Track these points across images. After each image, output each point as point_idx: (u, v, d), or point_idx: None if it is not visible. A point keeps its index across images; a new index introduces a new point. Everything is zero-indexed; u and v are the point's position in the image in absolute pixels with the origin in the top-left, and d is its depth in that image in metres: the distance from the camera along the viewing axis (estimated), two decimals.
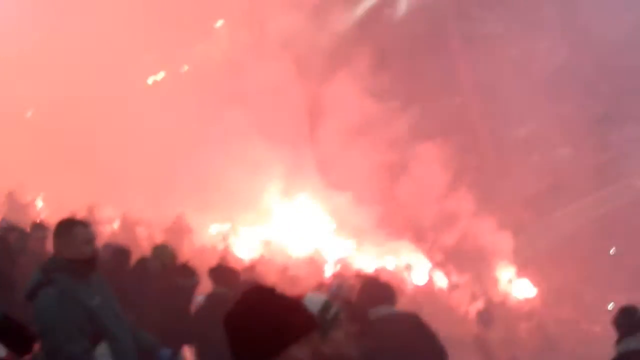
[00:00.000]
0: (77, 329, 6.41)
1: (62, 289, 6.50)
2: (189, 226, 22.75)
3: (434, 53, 27.62)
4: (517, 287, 23.64)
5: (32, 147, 23.09)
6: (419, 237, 25.35)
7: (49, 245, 9.70)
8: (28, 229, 12.58)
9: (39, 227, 12.69)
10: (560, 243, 26.08)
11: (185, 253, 17.94)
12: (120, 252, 11.49)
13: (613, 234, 26.48)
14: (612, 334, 8.65)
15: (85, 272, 6.72)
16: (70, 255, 6.61)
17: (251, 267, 16.96)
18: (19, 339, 3.39)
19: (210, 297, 10.17)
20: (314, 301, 4.28)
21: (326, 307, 4.23)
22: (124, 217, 22.51)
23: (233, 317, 3.31)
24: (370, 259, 24.00)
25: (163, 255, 11.00)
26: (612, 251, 26.54)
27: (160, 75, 27.91)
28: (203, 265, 19.46)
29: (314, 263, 22.94)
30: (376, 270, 21.75)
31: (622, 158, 27.68)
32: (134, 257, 11.56)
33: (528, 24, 29.05)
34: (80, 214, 19.78)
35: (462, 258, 24.09)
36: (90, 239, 6.78)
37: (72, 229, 6.75)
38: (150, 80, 27.73)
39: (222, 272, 10.61)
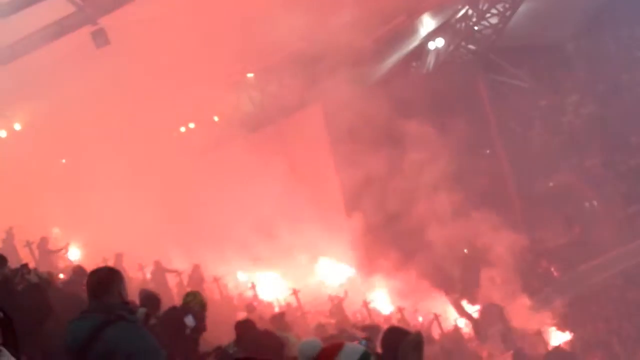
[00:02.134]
0: (163, 353, 6.55)
1: (136, 321, 6.66)
2: (203, 275, 22.97)
3: (465, 106, 27.74)
4: (548, 336, 23.48)
5: (64, 194, 23.44)
6: (448, 286, 25.33)
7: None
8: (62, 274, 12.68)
9: (80, 271, 12.86)
10: (589, 295, 25.91)
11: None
12: (150, 298, 11.58)
13: None
14: None
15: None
16: (124, 299, 6.77)
17: (280, 315, 16.99)
18: None
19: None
20: (353, 351, 4.29)
21: (365, 357, 4.28)
22: (156, 264, 22.76)
23: None
24: (397, 305, 24.03)
25: (194, 302, 11.07)
26: None
27: (191, 125, 28.27)
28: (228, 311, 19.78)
29: (340, 311, 22.98)
30: (403, 319, 21.78)
31: None
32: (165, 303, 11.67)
33: (556, 77, 29.25)
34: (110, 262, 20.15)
35: (491, 308, 23.96)
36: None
37: (120, 274, 6.98)
38: (182, 129, 28.10)
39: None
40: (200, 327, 10.56)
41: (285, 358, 9.69)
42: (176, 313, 10.98)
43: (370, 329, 15.72)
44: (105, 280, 6.68)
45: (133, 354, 6.19)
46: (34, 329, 8.79)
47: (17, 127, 26.91)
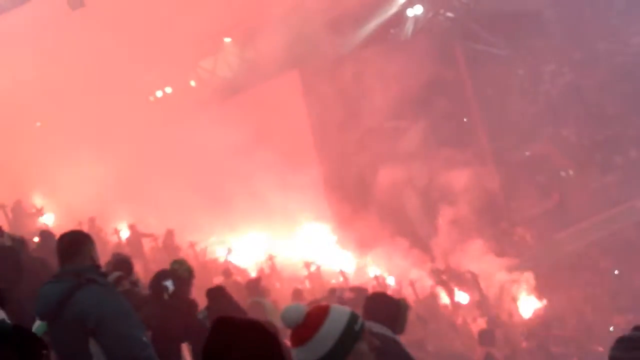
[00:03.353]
0: (136, 316, 6.47)
1: (108, 284, 6.58)
2: (174, 241, 22.94)
3: (442, 74, 27.70)
4: (521, 305, 23.66)
5: (40, 157, 23.20)
6: (424, 252, 25.44)
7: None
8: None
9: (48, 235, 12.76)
10: (563, 263, 26.10)
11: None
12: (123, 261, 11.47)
13: (617, 255, 26.47)
14: None
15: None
16: (96, 262, 6.67)
17: (256, 281, 16.97)
18: (32, 348, 3.42)
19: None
20: (340, 315, 4.13)
21: (353, 319, 4.18)
22: (131, 228, 22.67)
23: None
24: (373, 272, 24.14)
25: (182, 269, 10.89)
26: (616, 272, 26.49)
27: (168, 89, 28.01)
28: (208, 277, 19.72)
29: (317, 276, 23.08)
30: (380, 285, 21.85)
31: (626, 180, 27.72)
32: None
33: (534, 46, 29.23)
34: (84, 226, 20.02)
35: (465, 276, 24.07)
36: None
37: (90, 238, 6.87)
38: (158, 94, 27.84)
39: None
40: (181, 292, 10.43)
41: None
42: (156, 276, 10.87)
43: (358, 290, 15.80)
44: (75, 243, 6.67)
45: (104, 318, 6.19)
46: (5, 293, 8.66)
47: None
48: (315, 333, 4.02)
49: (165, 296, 10.34)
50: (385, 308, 7.52)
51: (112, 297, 6.41)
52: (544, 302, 24.00)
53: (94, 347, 6.26)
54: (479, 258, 24.63)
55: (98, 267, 6.63)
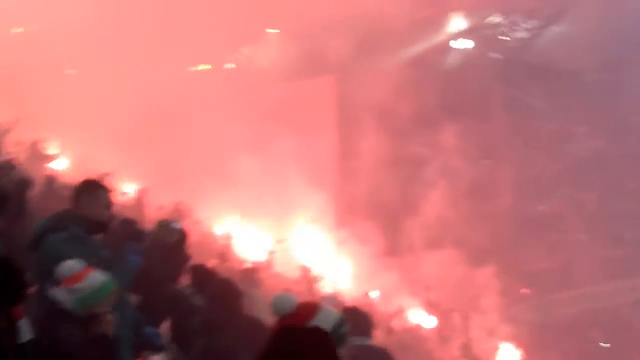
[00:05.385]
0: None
1: (74, 234, 6.56)
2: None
3: (476, 111, 27.68)
4: (502, 351, 23.55)
5: (69, 104, 23.11)
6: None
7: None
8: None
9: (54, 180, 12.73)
10: (552, 324, 25.99)
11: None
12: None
13: (609, 329, 26.35)
14: None
15: (96, 233, 6.92)
16: (87, 214, 6.68)
17: (252, 270, 16.90)
18: (13, 284, 3.35)
19: None
20: (330, 315, 4.18)
21: (341, 323, 4.16)
22: (139, 193, 22.57)
23: None
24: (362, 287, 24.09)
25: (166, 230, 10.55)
26: (605, 345, 26.34)
27: (206, 67, 28.02)
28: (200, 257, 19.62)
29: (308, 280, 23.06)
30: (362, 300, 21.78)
31: (633, 257, 27.60)
32: None
33: (570, 105, 29.17)
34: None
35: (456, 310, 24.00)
36: (109, 204, 6.91)
37: (96, 190, 6.86)
38: (196, 68, 27.85)
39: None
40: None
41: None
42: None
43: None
44: (77, 190, 7.00)
45: (53, 264, 6.23)
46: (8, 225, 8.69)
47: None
48: (303, 325, 4.00)
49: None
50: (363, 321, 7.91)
51: (69, 246, 6.46)
52: (522, 355, 23.88)
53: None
54: (473, 300, 24.52)
55: (84, 217, 6.65)
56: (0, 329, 3.11)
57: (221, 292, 9.43)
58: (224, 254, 20.90)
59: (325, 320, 4.07)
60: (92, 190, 6.91)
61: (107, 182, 18.84)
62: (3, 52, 22.57)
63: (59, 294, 5.96)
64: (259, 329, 8.32)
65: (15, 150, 20.21)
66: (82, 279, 5.95)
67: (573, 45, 27.56)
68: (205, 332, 8.22)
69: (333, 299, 16.66)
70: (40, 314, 5.88)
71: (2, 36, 24.18)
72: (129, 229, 10.68)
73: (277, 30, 28.15)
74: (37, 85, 22.86)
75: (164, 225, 10.38)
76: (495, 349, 23.54)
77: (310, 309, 4.19)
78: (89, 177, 7.55)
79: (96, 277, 6.03)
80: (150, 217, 21.58)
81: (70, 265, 6.06)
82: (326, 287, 23.28)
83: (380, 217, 26.06)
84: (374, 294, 23.84)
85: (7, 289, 3.24)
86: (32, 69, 22.87)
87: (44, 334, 5.50)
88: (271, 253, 23.54)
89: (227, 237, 23.83)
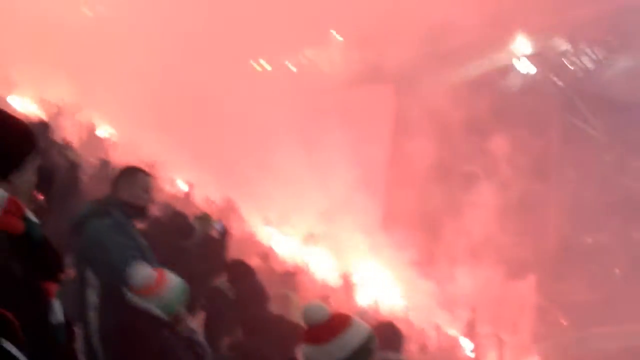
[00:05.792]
0: (135, 257, 6.47)
1: (118, 221, 6.60)
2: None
3: (533, 136, 27.47)
4: None
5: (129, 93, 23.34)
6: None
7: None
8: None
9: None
10: (592, 358, 25.65)
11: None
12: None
13: None
14: None
15: (136, 218, 6.86)
16: (126, 198, 6.71)
17: (293, 274, 16.91)
18: (53, 264, 3.37)
19: None
20: (360, 329, 4.16)
21: (372, 337, 4.16)
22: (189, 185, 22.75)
23: None
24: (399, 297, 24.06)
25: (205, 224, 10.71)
26: None
27: (267, 65, 28.20)
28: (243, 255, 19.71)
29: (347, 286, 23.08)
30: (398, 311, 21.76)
31: None
32: None
33: (629, 139, 28.81)
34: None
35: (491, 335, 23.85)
36: (148, 188, 6.91)
37: (136, 174, 6.90)
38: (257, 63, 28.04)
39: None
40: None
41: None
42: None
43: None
44: (119, 175, 6.92)
45: (93, 249, 6.39)
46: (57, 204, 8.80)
47: None
48: (334, 338, 4.03)
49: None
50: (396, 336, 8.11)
51: (113, 234, 6.46)
52: None
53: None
54: (510, 323, 24.36)
55: (126, 203, 6.68)
56: (30, 300, 3.13)
57: (249, 293, 9.48)
58: (266, 254, 20.93)
59: (355, 335, 4.06)
60: (132, 173, 6.92)
61: (154, 170, 19.24)
62: (71, 37, 22.90)
63: (141, 301, 5.83)
64: (290, 331, 8.32)
65: (71, 131, 20.48)
66: (162, 285, 5.89)
67: (637, 78, 27.27)
68: (234, 329, 8.28)
69: (365, 313, 16.69)
70: (123, 321, 5.91)
71: (73, 20, 24.53)
72: (179, 222, 10.91)
73: (341, 39, 28.20)
74: (100, 70, 23.15)
75: (205, 219, 10.53)
76: None
77: (342, 320, 4.14)
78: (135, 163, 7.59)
79: (172, 280, 5.99)
80: (199, 210, 21.83)
81: (147, 274, 5.96)
82: (364, 295, 23.28)
83: (424, 226, 25.97)
84: (410, 306, 23.81)
85: (41, 262, 3.26)
86: (96, 54, 23.16)
87: (134, 341, 5.65)
88: (311, 256, 23.59)
89: (270, 237, 23.95)
